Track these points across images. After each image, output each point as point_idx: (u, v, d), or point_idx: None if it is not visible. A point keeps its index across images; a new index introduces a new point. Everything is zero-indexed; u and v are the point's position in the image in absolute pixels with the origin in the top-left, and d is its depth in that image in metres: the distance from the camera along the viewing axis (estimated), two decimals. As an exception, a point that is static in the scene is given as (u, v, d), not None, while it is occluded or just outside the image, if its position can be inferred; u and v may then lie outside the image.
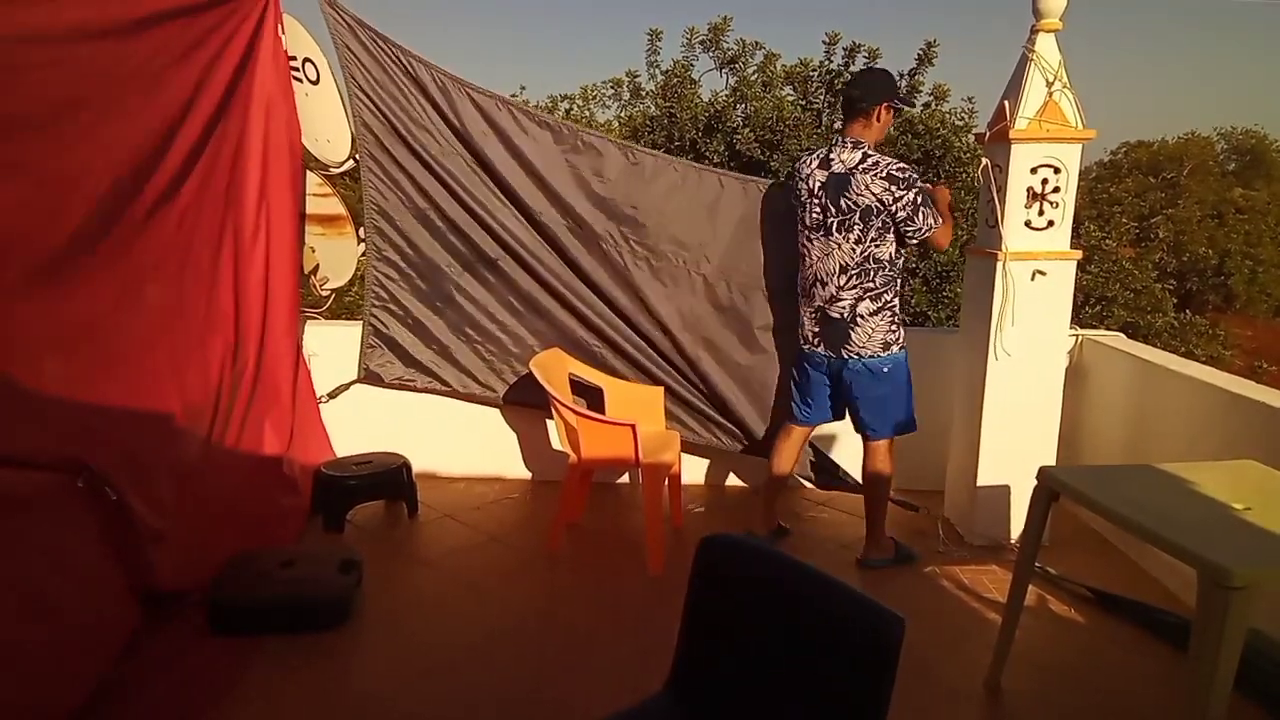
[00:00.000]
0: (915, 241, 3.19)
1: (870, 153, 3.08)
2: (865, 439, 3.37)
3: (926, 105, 7.67)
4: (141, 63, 2.82)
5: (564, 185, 3.81)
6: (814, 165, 3.19)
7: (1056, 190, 3.36)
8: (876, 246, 3.10)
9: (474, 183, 3.84)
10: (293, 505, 3.64)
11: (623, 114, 8.68)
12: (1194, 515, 2.09)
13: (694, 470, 4.12)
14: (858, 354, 3.19)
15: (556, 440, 3.66)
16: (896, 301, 3.23)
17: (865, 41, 7.69)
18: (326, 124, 3.93)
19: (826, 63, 7.80)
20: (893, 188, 3.03)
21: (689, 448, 4.01)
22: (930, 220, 3.10)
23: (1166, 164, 21.45)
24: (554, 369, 3.69)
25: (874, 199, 3.04)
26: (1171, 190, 18.95)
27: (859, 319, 3.15)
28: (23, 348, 2.44)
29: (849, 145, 3.13)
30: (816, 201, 3.15)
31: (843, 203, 3.08)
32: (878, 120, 3.14)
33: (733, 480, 4.33)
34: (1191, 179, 20.65)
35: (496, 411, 4.28)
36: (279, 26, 3.62)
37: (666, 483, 3.60)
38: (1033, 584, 2.92)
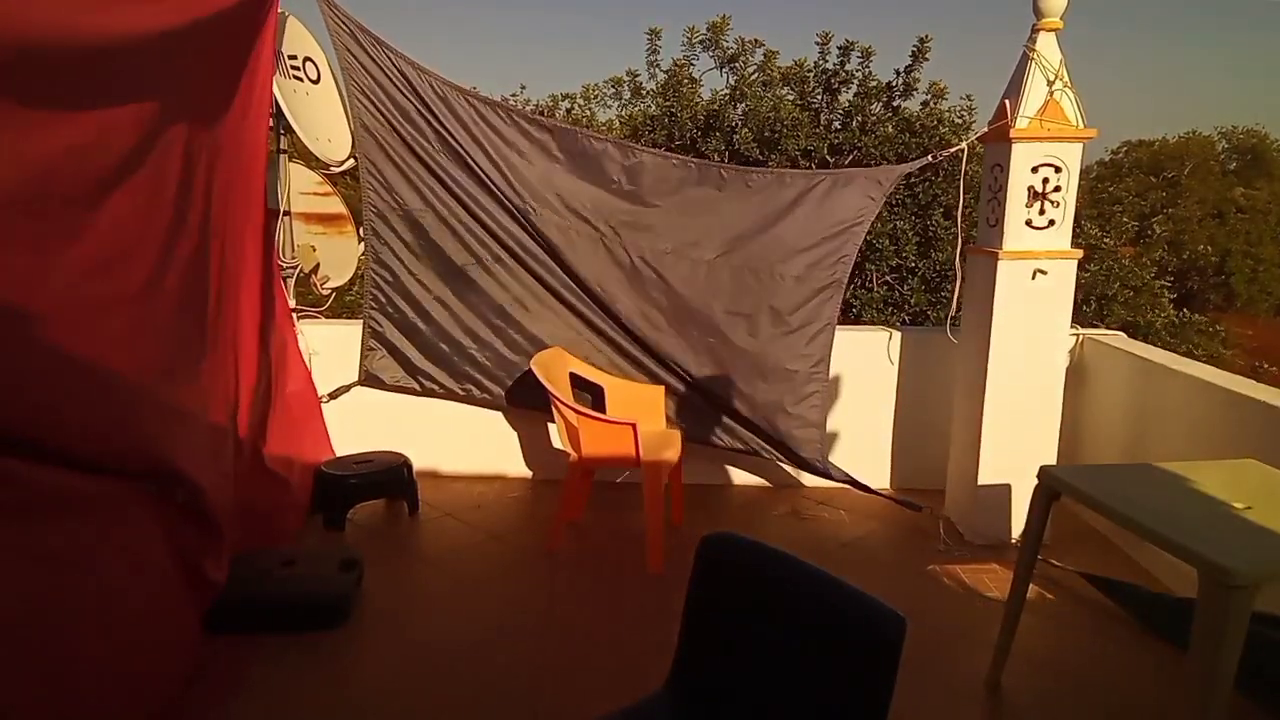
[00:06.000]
0: None
1: None
2: None
3: (925, 104, 7.68)
4: (183, 61, 2.80)
5: (563, 186, 3.84)
6: None
7: (1057, 189, 3.36)
8: None
9: (471, 186, 3.84)
10: (289, 503, 3.63)
11: (623, 113, 8.68)
12: (1195, 514, 2.09)
13: (694, 469, 4.12)
14: None
15: (557, 439, 3.66)
16: None
17: (860, 40, 7.70)
18: (327, 123, 3.93)
19: (821, 62, 7.80)
20: None
21: (690, 447, 4.01)
22: None
23: (1167, 163, 21.47)
24: (554, 367, 3.70)
25: None
26: (1172, 189, 18.96)
27: None
28: (101, 351, 2.44)
29: None
30: None
31: None
32: None
33: (733, 479, 4.33)
34: (1192, 178, 20.66)
35: (497, 410, 4.28)
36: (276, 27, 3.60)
37: (667, 481, 3.60)
38: (1034, 583, 2.92)
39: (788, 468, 4.15)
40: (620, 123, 8.61)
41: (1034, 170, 3.36)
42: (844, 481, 3.94)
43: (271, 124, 3.72)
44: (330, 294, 4.23)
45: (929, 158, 4.05)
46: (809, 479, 4.20)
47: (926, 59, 7.47)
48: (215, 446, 2.98)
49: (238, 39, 3.15)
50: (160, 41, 2.48)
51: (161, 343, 2.69)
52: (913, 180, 6.94)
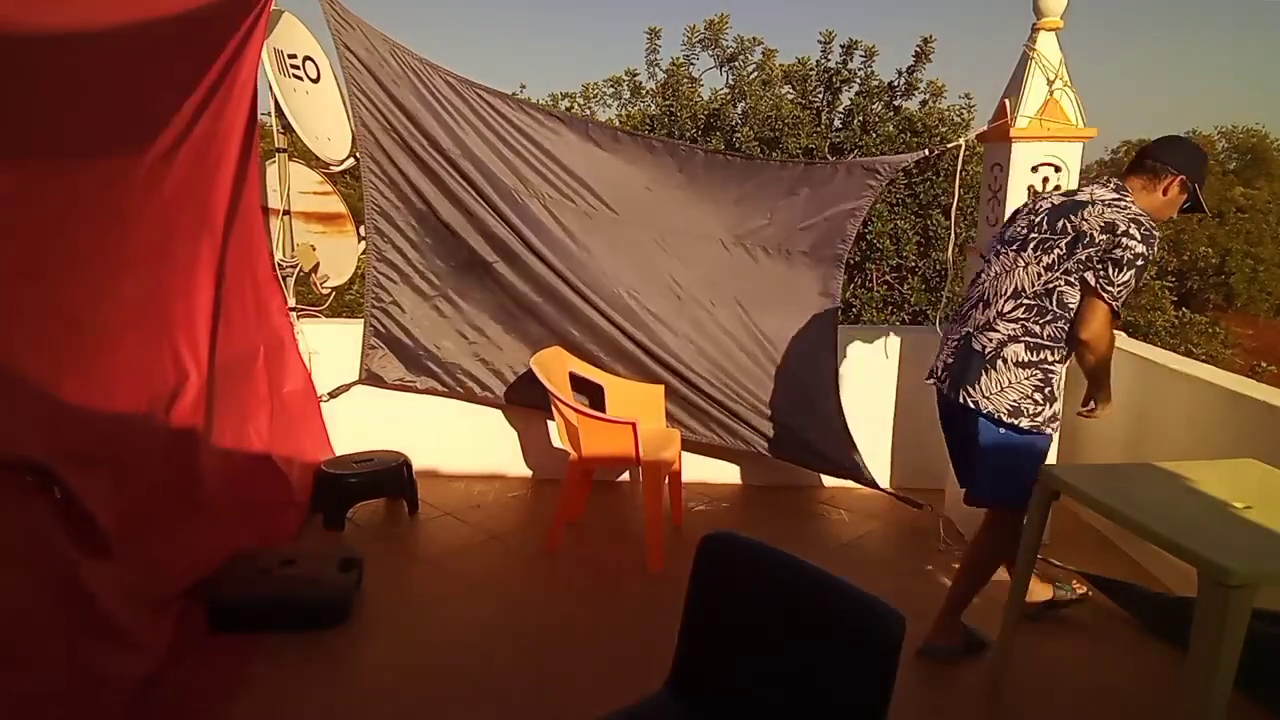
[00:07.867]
0: (1083, 297, 2.43)
1: (1129, 202, 2.44)
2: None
3: (924, 103, 7.68)
4: (134, 55, 2.79)
5: (572, 176, 3.86)
6: (1059, 197, 2.57)
7: (1057, 189, 3.36)
8: (1068, 283, 2.44)
9: (475, 181, 3.83)
10: (289, 502, 3.62)
11: (623, 112, 8.69)
12: (1194, 514, 2.09)
13: (695, 468, 4.12)
14: (975, 403, 2.57)
15: (557, 438, 3.66)
16: (1057, 376, 2.54)
17: (862, 39, 7.70)
18: (327, 122, 3.93)
19: (823, 61, 7.80)
20: (1120, 227, 2.36)
21: (690, 446, 4.01)
22: (1122, 281, 2.36)
23: (1167, 163, 21.39)
24: (554, 367, 3.70)
25: (1094, 228, 2.39)
26: (1172, 189, 18.85)
27: (1000, 362, 2.53)
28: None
29: (1111, 186, 2.50)
30: (1030, 219, 2.56)
31: (1060, 223, 2.46)
32: (1163, 192, 2.47)
33: (733, 479, 4.33)
34: (1192, 177, 20.58)
35: (498, 409, 4.28)
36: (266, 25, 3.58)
37: (667, 481, 3.60)
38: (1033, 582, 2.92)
39: (787, 467, 4.14)
40: (620, 122, 8.61)
41: (1034, 170, 3.36)
42: (842, 472, 3.94)
43: (271, 123, 3.72)
44: (330, 293, 4.23)
45: (925, 152, 4.17)
46: (810, 478, 4.20)
47: (930, 60, 7.48)
48: (116, 439, 2.81)
49: (215, 35, 3.13)
50: (95, 34, 2.46)
51: (36, 330, 2.53)
52: (913, 179, 6.95)
